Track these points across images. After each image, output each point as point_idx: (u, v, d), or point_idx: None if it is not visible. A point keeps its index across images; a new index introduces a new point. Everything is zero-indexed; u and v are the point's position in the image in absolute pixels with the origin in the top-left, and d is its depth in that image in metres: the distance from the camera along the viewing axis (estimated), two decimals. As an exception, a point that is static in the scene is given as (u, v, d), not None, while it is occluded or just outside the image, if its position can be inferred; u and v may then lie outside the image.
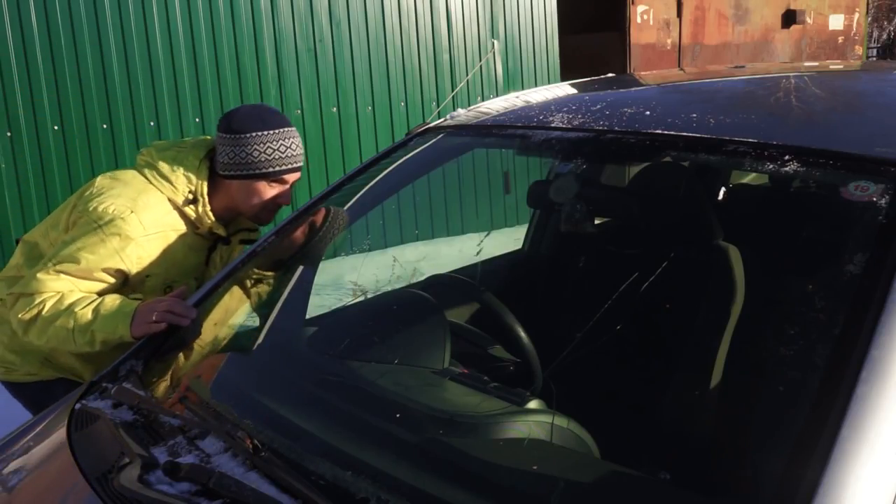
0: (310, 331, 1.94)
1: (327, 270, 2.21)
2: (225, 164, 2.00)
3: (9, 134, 4.64)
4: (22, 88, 4.65)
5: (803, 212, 1.84)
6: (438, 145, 2.10)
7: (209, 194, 2.03)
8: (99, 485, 1.30)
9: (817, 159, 1.39)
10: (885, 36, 20.26)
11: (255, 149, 1.98)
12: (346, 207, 2.08)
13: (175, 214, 2.00)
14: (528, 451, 1.34)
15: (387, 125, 5.99)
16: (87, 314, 1.84)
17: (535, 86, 5.83)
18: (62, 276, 1.88)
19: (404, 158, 2.15)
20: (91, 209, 1.92)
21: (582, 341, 1.49)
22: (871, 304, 1.11)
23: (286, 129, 2.03)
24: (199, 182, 2.01)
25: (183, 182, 2.00)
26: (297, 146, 2.05)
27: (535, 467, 1.30)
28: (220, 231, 2.06)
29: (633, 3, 7.57)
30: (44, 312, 1.86)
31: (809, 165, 1.39)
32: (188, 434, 1.38)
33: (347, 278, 2.52)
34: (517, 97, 2.24)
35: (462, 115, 2.16)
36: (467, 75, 6.05)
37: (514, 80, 6.53)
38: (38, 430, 1.64)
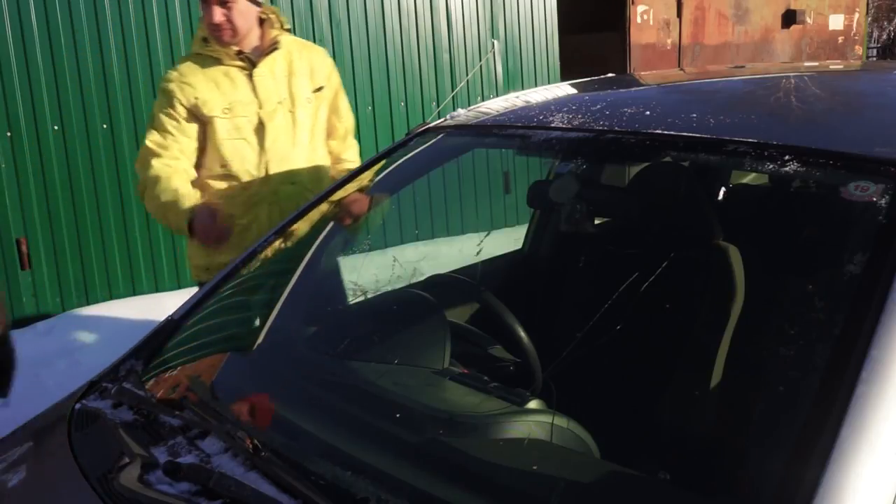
0: (310, 330, 1.94)
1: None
2: None
3: (9, 134, 4.63)
4: (22, 88, 4.65)
5: (803, 212, 1.84)
6: (438, 145, 2.10)
7: None
8: (99, 485, 1.30)
9: (817, 159, 1.39)
10: (885, 36, 20.26)
11: None
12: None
13: (198, 60, 2.57)
14: (528, 451, 1.34)
15: (387, 125, 5.99)
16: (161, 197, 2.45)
17: (535, 86, 5.82)
18: (148, 142, 2.55)
19: (404, 158, 2.15)
20: None
21: (582, 341, 1.49)
22: (871, 304, 1.11)
23: None
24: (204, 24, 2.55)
25: (199, 33, 2.61)
26: None
27: (535, 467, 1.30)
28: (236, 56, 2.53)
29: (633, 3, 7.57)
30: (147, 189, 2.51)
31: (809, 165, 1.39)
32: (188, 434, 1.39)
33: (347, 278, 2.52)
34: (517, 97, 2.24)
35: (462, 115, 2.16)
36: (467, 75, 6.05)
37: (514, 80, 6.52)
38: (38, 430, 1.64)
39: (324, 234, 2.07)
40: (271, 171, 2.59)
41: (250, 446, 1.28)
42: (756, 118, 1.69)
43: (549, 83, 6.41)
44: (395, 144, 2.28)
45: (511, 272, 2.47)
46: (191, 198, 2.41)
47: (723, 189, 2.03)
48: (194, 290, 2.02)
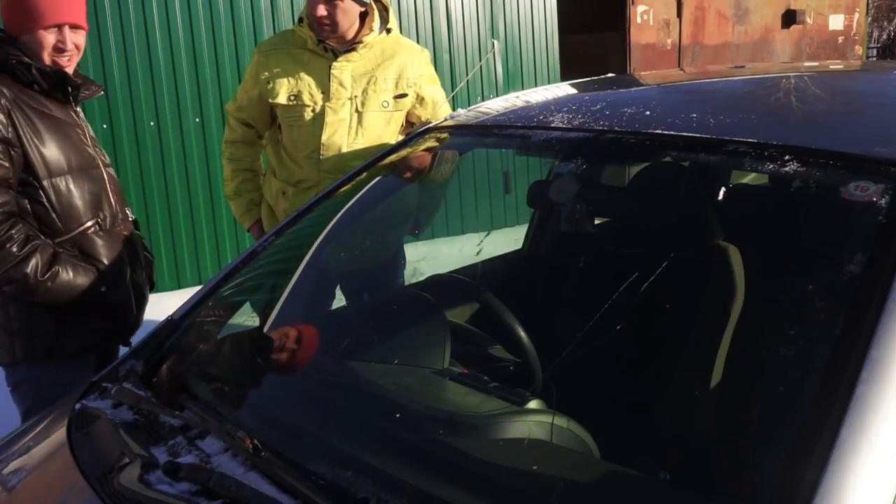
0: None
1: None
2: None
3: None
4: (22, 88, 4.65)
5: (803, 212, 1.84)
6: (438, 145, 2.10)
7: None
8: (99, 485, 1.30)
9: (817, 159, 1.39)
10: (885, 36, 20.25)
11: None
12: (346, 208, 2.08)
13: (292, 37, 2.68)
14: (528, 451, 1.34)
15: (387, 125, 5.98)
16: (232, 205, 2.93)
17: (535, 86, 5.82)
18: (229, 112, 2.81)
19: (405, 158, 2.15)
20: None
21: (582, 341, 1.49)
22: (871, 304, 1.11)
23: None
24: (305, 7, 2.62)
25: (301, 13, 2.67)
26: None
27: (535, 467, 1.30)
28: (319, 43, 2.59)
29: (633, 3, 7.57)
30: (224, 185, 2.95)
31: (809, 165, 1.39)
32: (188, 434, 1.39)
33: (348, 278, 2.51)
34: (517, 97, 2.24)
35: (462, 115, 2.16)
36: (467, 75, 6.05)
37: (514, 80, 6.52)
38: (38, 430, 1.64)
39: (325, 233, 2.06)
40: (323, 164, 2.64)
41: (250, 446, 1.28)
42: (756, 118, 1.69)
43: (549, 83, 6.40)
44: (396, 144, 2.28)
45: (511, 272, 2.47)
46: (241, 209, 2.88)
47: (723, 189, 2.02)
48: (194, 290, 2.02)
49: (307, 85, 2.61)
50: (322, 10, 2.53)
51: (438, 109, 2.78)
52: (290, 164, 2.71)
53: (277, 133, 2.76)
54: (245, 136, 2.80)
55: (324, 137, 2.62)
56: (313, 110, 2.61)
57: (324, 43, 2.61)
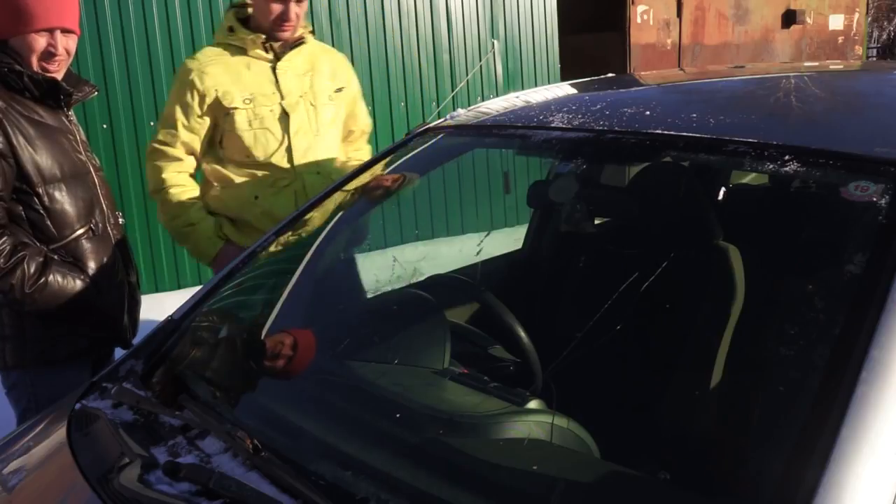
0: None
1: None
2: None
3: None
4: (22, 88, 4.65)
5: (803, 212, 1.84)
6: (438, 145, 2.10)
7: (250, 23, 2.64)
8: (99, 485, 1.30)
9: (817, 159, 1.39)
10: (885, 36, 20.25)
11: None
12: (346, 208, 2.08)
13: (225, 49, 2.61)
14: (528, 451, 1.34)
15: (387, 125, 5.99)
16: (187, 236, 2.65)
17: (535, 86, 5.82)
18: (162, 145, 2.59)
19: (404, 158, 2.15)
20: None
21: (582, 341, 1.49)
22: (871, 304, 1.11)
23: None
24: (231, 13, 2.65)
25: (225, 22, 2.65)
26: None
27: (535, 467, 1.30)
28: (262, 45, 2.58)
29: (633, 3, 7.57)
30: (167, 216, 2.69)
31: (809, 165, 1.39)
32: (188, 434, 1.39)
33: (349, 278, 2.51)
34: (517, 97, 2.24)
35: (462, 115, 2.16)
36: (467, 75, 6.05)
37: (514, 80, 6.52)
38: (38, 430, 1.64)
39: (324, 233, 2.06)
40: (296, 160, 2.64)
41: (250, 446, 1.28)
42: (756, 118, 1.69)
43: (549, 83, 6.40)
44: (395, 144, 2.28)
45: (511, 272, 2.47)
46: (208, 232, 2.62)
47: (723, 189, 2.02)
48: (194, 290, 2.02)
49: (259, 87, 2.60)
50: (292, 14, 2.56)
51: (362, 112, 2.90)
52: (254, 170, 2.62)
53: (219, 149, 2.66)
54: (188, 165, 2.66)
55: (290, 134, 2.61)
56: (273, 111, 2.60)
57: (266, 44, 2.60)
